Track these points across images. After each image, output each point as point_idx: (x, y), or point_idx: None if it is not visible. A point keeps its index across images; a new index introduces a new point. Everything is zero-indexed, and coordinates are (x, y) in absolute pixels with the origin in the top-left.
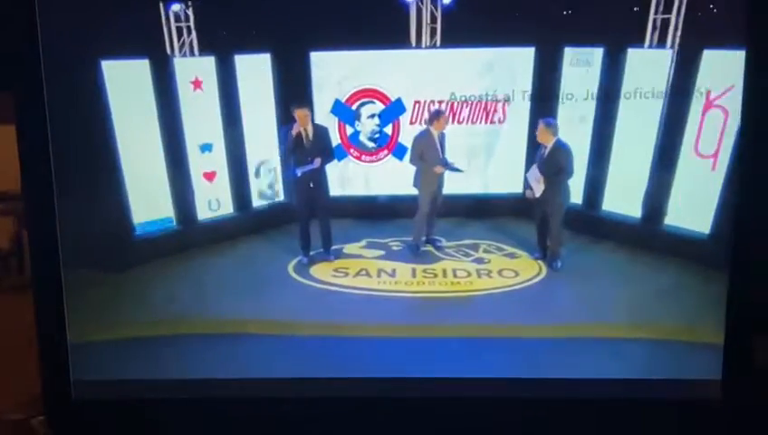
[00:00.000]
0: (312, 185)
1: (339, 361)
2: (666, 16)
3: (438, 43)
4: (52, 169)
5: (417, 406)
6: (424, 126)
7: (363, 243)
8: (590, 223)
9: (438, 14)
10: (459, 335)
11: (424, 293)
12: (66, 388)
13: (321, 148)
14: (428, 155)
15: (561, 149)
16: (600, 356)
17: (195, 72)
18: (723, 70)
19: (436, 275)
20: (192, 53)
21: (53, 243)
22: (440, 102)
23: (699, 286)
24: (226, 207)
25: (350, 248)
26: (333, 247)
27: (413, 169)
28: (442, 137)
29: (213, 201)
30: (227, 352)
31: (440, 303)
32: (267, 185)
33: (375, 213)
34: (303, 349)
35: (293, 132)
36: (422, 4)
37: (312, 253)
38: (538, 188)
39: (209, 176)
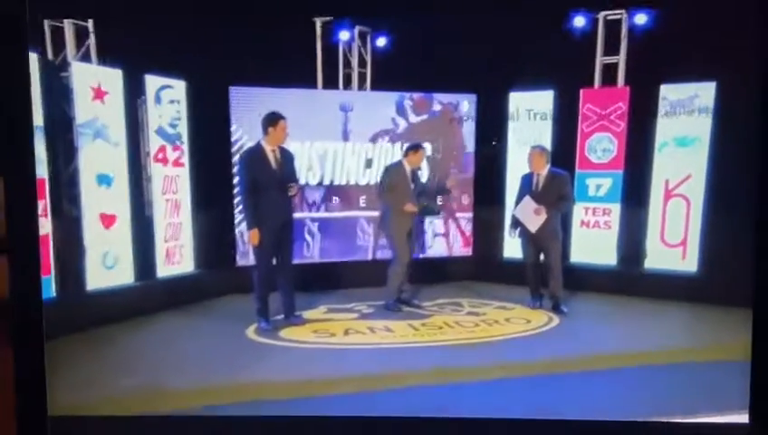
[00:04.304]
0: (282, 223)
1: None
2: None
3: (369, 87)
4: None
5: None
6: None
7: (323, 309)
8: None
9: (368, 59)
10: (507, 375)
11: (446, 341)
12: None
13: (290, 173)
14: (399, 189)
15: (560, 175)
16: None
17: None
18: None
19: (440, 327)
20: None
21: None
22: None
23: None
24: (125, 265)
25: (312, 314)
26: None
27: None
28: (414, 174)
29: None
30: None
31: (472, 347)
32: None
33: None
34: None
35: (261, 154)
36: (349, 51)
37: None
38: (536, 222)
39: (108, 220)
